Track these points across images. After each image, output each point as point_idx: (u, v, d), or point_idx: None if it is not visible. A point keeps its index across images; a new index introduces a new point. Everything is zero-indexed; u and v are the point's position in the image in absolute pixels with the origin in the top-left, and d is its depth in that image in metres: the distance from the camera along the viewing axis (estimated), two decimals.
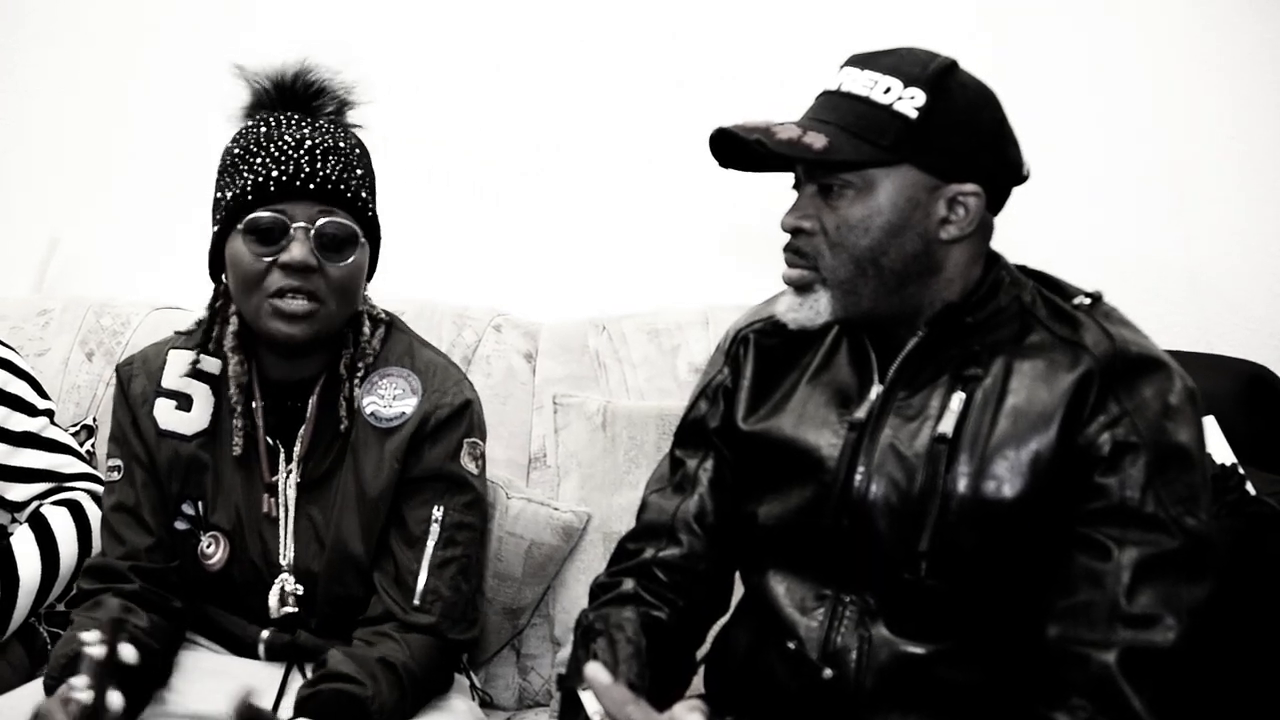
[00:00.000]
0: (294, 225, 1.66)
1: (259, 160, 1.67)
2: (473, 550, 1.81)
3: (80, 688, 1.39)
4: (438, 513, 1.75)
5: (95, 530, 1.93)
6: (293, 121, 1.72)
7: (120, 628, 1.47)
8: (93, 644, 1.41)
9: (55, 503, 1.98)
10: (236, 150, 1.71)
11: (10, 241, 2.86)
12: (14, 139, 2.87)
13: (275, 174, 1.66)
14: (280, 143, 1.68)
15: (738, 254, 2.57)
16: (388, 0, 2.70)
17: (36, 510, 1.97)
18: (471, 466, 1.80)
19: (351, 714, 1.60)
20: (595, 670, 1.34)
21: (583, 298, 2.54)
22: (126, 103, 2.80)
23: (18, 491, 2.00)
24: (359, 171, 1.72)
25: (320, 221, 1.67)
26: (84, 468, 2.05)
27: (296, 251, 1.65)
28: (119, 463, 1.81)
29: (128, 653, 1.48)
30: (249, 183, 1.67)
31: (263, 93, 1.76)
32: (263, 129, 1.71)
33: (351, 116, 1.81)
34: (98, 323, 2.49)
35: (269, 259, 1.66)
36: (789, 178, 1.51)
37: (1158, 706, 1.31)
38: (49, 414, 2.06)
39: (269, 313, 1.67)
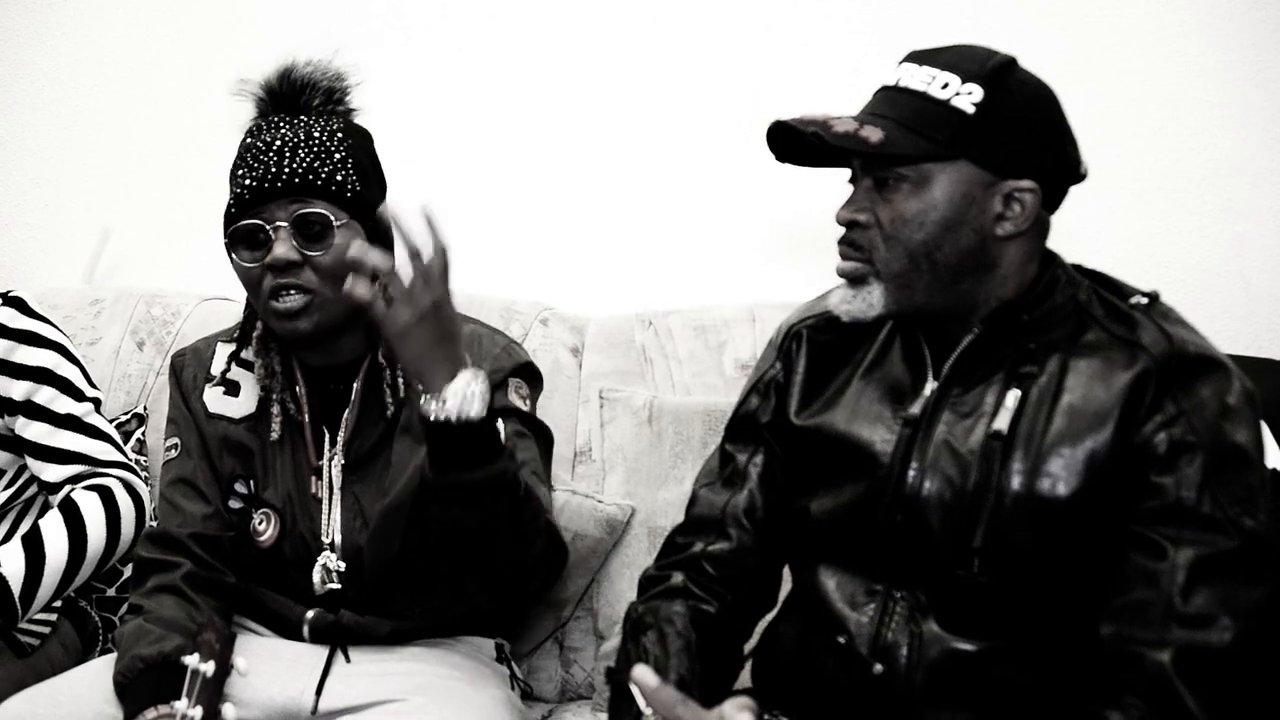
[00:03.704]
0: (270, 226, 1.73)
1: (239, 173, 1.77)
2: (535, 456, 1.78)
3: (186, 709, 1.45)
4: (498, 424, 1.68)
5: (125, 518, 1.95)
6: (274, 124, 1.79)
7: (230, 642, 1.51)
8: (199, 664, 1.45)
9: (87, 487, 1.98)
10: (232, 167, 1.80)
11: (62, 233, 2.89)
12: (65, 132, 2.89)
13: (249, 182, 1.74)
14: (255, 149, 1.76)
15: (785, 252, 2.57)
16: None
17: (68, 495, 1.97)
18: (519, 402, 1.81)
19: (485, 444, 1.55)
20: (642, 673, 1.34)
21: (629, 293, 2.54)
22: (176, 96, 2.83)
23: (52, 472, 2.00)
24: (337, 157, 1.77)
25: (296, 215, 1.73)
26: (120, 457, 2.05)
27: (278, 250, 1.72)
28: (176, 440, 1.90)
29: (240, 664, 1.56)
30: (232, 197, 1.76)
31: (260, 101, 1.85)
32: (248, 139, 1.79)
33: (363, 104, 1.87)
34: (148, 313, 2.52)
35: (257, 263, 1.74)
36: (840, 176, 1.51)
37: (1214, 707, 1.29)
38: (95, 402, 2.08)
39: (271, 314, 1.76)
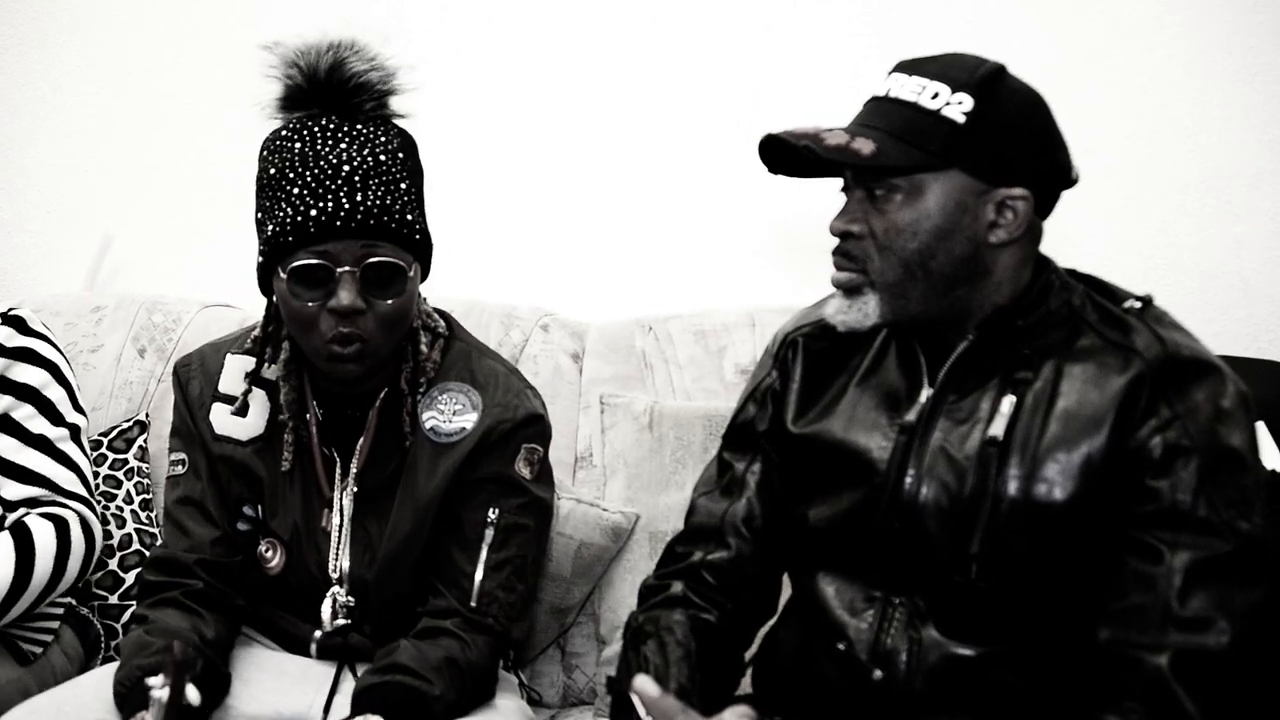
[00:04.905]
0: (339, 269, 1.61)
1: (296, 191, 1.61)
2: (527, 551, 1.78)
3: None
4: (492, 515, 1.74)
5: (74, 553, 1.89)
6: (328, 133, 1.63)
7: (186, 669, 1.49)
8: (158, 687, 1.44)
9: (42, 515, 1.90)
10: (273, 170, 1.64)
11: (64, 239, 2.90)
12: (66, 139, 2.90)
13: (314, 212, 1.59)
14: (317, 169, 1.61)
15: (784, 256, 2.57)
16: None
17: (20, 520, 1.89)
18: (525, 471, 1.77)
19: (415, 712, 1.61)
20: (643, 683, 1.35)
21: (629, 298, 2.55)
22: (178, 101, 2.83)
23: (11, 490, 1.93)
24: (403, 186, 1.65)
25: (366, 261, 1.62)
26: (83, 491, 1.97)
27: (344, 298, 1.61)
28: (183, 456, 1.82)
29: (192, 695, 1.50)
30: (289, 220, 1.60)
31: (296, 88, 1.68)
32: (298, 145, 1.63)
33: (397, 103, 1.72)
34: (149, 319, 2.52)
35: (316, 303, 1.63)
36: (837, 181, 1.51)
37: (1212, 710, 1.30)
38: (74, 429, 2.01)
39: (324, 356, 1.66)
